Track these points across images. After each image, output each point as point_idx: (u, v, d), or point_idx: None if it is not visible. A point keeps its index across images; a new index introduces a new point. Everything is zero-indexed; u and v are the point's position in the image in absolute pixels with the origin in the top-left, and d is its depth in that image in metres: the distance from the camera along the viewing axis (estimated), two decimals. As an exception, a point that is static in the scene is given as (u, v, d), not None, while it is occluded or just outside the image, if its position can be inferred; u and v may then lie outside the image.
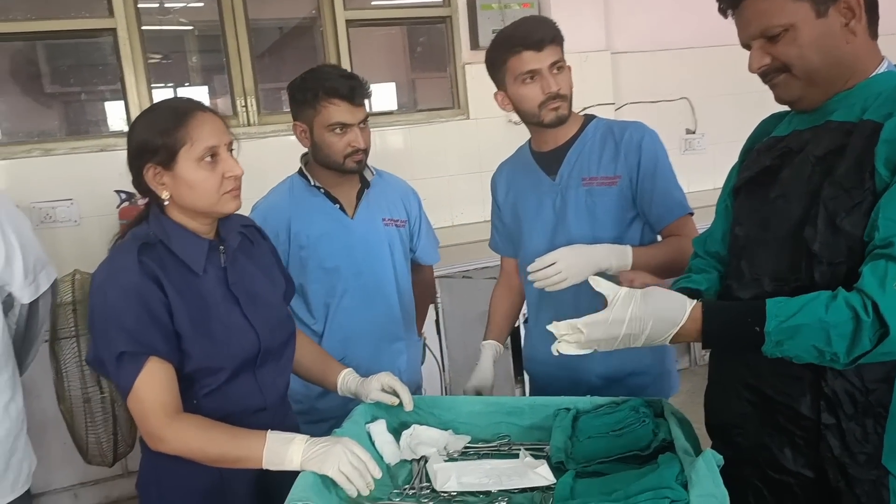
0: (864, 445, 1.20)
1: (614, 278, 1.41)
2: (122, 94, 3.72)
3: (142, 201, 1.48)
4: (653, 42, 4.55)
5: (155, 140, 1.35)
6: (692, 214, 1.83)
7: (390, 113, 4.21)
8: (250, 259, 1.54)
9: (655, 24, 4.51)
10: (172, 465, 1.37)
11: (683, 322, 1.18)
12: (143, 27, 3.73)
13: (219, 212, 1.42)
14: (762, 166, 1.35)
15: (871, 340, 1.06)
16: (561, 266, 1.62)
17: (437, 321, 3.46)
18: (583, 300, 1.52)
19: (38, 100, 4.28)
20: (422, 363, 2.44)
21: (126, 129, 3.70)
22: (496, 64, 1.81)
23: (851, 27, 1.19)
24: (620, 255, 1.69)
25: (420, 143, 4.13)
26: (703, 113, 4.71)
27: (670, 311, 1.19)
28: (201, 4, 4.39)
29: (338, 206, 2.01)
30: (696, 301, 1.20)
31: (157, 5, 4.20)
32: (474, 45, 4.13)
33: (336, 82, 1.88)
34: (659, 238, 1.87)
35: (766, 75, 1.26)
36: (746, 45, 1.27)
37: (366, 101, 1.95)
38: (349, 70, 3.90)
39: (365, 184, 2.06)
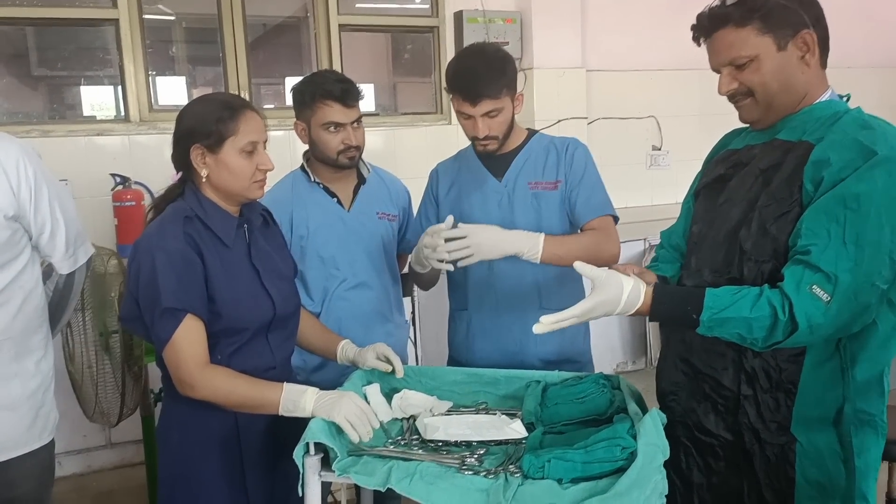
0: (776, 415, 1.44)
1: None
2: (120, 81, 3.88)
3: (175, 177, 1.68)
4: (626, 62, 4.83)
5: (209, 126, 1.56)
6: (616, 218, 2.05)
7: (376, 114, 4.43)
8: (266, 238, 1.75)
9: (629, 46, 4.80)
10: (193, 412, 1.58)
11: (641, 302, 1.42)
12: (145, 16, 3.89)
13: (246, 196, 1.63)
14: (717, 174, 1.60)
15: (783, 334, 1.31)
16: (470, 241, 1.80)
17: (412, 312, 3.68)
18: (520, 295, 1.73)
19: (37, 84, 4.41)
20: (407, 345, 2.66)
21: (123, 115, 3.88)
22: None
23: (806, 59, 1.41)
24: (532, 242, 1.83)
25: (402, 145, 4.35)
26: (668, 131, 4.99)
27: (633, 293, 1.43)
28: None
29: (335, 199, 2.22)
30: (650, 285, 1.44)
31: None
32: (459, 54, 4.36)
33: (330, 86, 2.10)
34: None
35: (734, 97, 1.49)
36: (716, 70, 1.49)
37: (359, 103, 2.16)
38: (342, 73, 4.13)
39: (361, 180, 2.27)
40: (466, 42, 4.29)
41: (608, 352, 4.38)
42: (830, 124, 1.39)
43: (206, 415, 1.57)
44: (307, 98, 2.12)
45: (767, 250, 1.39)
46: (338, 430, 1.48)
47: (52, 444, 1.87)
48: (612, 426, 1.45)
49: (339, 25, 4.23)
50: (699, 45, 1.50)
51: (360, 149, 2.16)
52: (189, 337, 1.50)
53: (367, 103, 5.36)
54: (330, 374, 2.10)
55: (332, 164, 2.15)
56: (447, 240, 1.80)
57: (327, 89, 2.09)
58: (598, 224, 2.02)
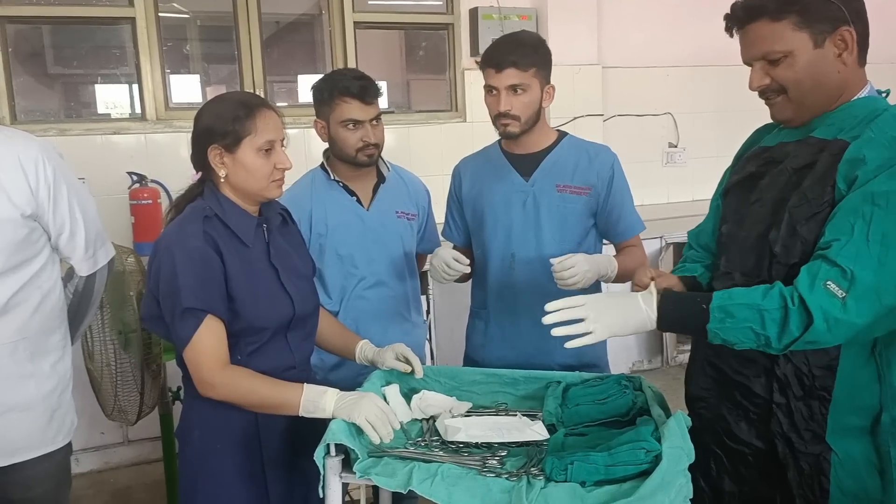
0: (810, 423, 1.39)
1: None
2: (137, 80, 3.90)
3: (195, 177, 1.68)
4: (642, 59, 4.80)
5: (226, 126, 1.56)
6: None
7: (391, 112, 4.42)
8: (285, 237, 1.75)
9: (645, 42, 4.77)
10: (214, 411, 1.57)
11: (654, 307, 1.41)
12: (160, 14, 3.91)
13: (264, 196, 1.62)
14: (748, 172, 1.55)
15: (797, 328, 1.25)
16: (577, 270, 1.81)
17: (427, 311, 3.67)
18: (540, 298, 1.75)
19: (53, 82, 4.43)
20: (424, 345, 2.66)
21: (139, 113, 3.89)
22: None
23: (843, 58, 1.35)
24: (612, 265, 1.93)
25: (417, 143, 4.34)
26: (685, 128, 4.96)
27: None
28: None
29: (354, 198, 2.21)
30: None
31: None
32: (474, 51, 4.36)
33: (348, 83, 2.09)
34: (612, 247, 2.13)
35: (765, 94, 1.43)
36: (748, 63, 1.43)
37: (378, 101, 2.15)
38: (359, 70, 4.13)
39: (381, 178, 2.26)
40: (482, 39, 4.28)
41: (623, 350, 4.35)
42: (868, 122, 1.33)
43: (228, 414, 1.56)
44: (326, 95, 2.12)
45: (796, 253, 1.35)
46: (358, 431, 1.48)
47: (68, 446, 1.87)
48: (636, 428, 1.43)
49: (355, 23, 4.23)
50: (731, 35, 1.44)
51: (378, 146, 2.16)
52: (209, 337, 1.50)
53: (382, 101, 5.37)
54: (347, 373, 2.09)
55: (352, 162, 2.15)
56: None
57: (346, 86, 2.09)
58: (636, 241, 2.10)
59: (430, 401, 1.75)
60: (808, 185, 1.36)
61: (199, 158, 1.61)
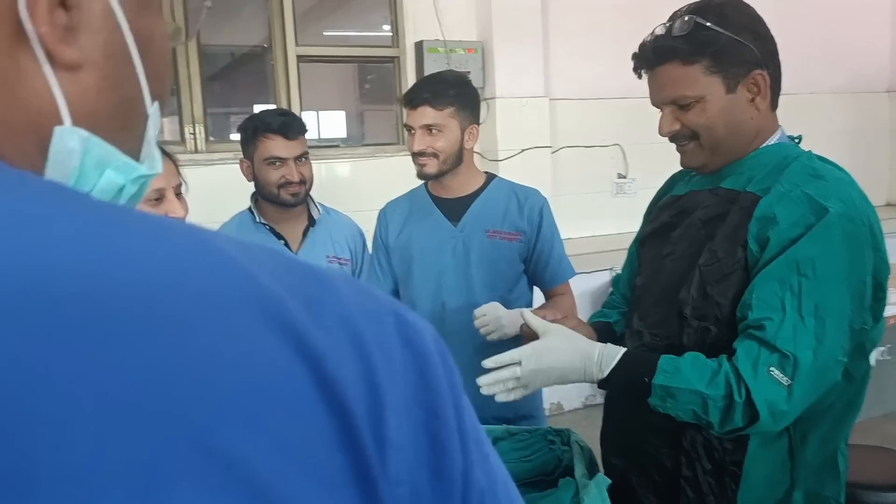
0: (721, 500, 1.27)
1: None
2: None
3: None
4: (590, 90, 4.80)
5: None
6: None
7: (336, 146, 4.35)
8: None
9: (592, 74, 4.78)
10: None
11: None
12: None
13: None
14: (661, 222, 1.47)
15: (742, 420, 1.16)
16: (489, 319, 1.75)
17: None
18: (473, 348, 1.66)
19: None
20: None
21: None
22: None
23: (756, 102, 1.28)
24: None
25: (365, 176, 4.27)
26: (633, 159, 4.97)
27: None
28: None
29: (282, 241, 2.13)
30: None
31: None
32: (419, 85, 4.31)
33: (270, 119, 2.05)
34: (541, 293, 2.08)
35: (675, 139, 1.35)
36: (657, 106, 1.35)
37: (304, 137, 2.09)
38: (298, 103, 4.05)
39: (311, 221, 2.18)
40: (427, 72, 4.23)
41: (574, 387, 4.30)
42: (778, 172, 1.26)
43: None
44: (249, 133, 2.06)
45: (709, 316, 1.26)
46: None
47: None
48: (555, 493, 1.36)
49: (298, 56, 4.16)
50: (640, 77, 1.36)
51: (304, 184, 2.08)
52: None
53: (339, 130, 5.29)
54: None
55: (275, 202, 2.07)
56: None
57: (268, 122, 2.04)
58: (566, 289, 2.04)
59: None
60: (718, 241, 1.28)
61: None
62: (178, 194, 1.54)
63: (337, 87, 6.23)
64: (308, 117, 4.43)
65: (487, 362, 1.35)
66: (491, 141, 4.43)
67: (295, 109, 4.17)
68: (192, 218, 1.98)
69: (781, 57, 1.33)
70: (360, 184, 4.22)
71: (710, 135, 1.30)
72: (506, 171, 4.45)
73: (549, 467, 1.55)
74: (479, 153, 4.51)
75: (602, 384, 1.32)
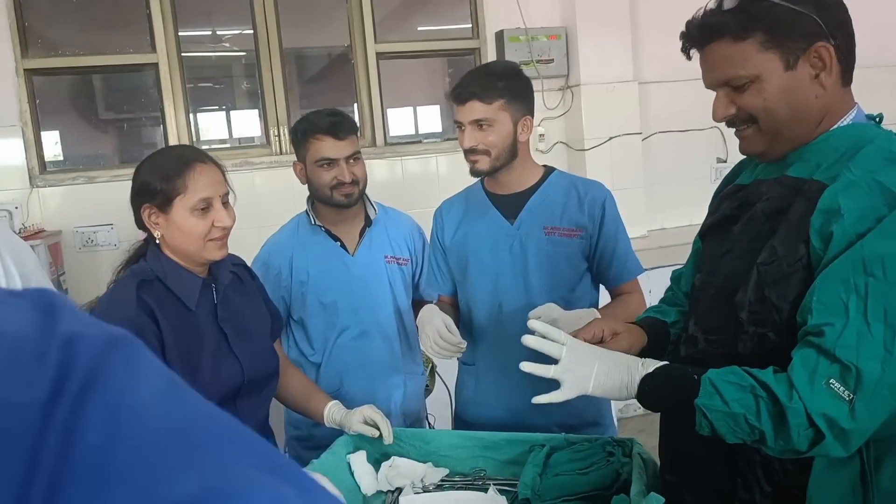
0: None
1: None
2: (161, 122, 3.92)
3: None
4: (682, 72, 4.53)
5: (155, 184, 1.46)
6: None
7: (418, 142, 4.32)
8: (239, 296, 1.63)
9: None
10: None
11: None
12: (185, 53, 3.92)
13: (203, 258, 1.51)
14: (722, 215, 1.31)
15: (806, 443, 1.02)
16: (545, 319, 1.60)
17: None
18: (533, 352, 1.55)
19: (84, 129, 4.51)
20: (427, 394, 2.50)
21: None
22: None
23: (821, 79, 1.12)
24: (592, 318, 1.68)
25: (453, 171, 4.20)
26: (734, 142, 4.65)
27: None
28: (249, 31, 4.56)
29: (338, 243, 2.10)
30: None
31: (201, 33, 4.41)
32: (501, 76, 4.20)
33: (319, 120, 2.00)
34: (607, 292, 1.93)
35: (732, 124, 1.21)
36: (711, 88, 1.22)
37: (355, 137, 2.03)
38: (379, 101, 4.04)
39: (367, 221, 2.14)
40: (508, 62, 4.14)
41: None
42: (850, 157, 1.09)
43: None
44: (300, 136, 2.03)
45: (767, 321, 1.11)
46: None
47: None
48: (606, 511, 1.25)
49: (378, 54, 4.16)
50: (689, 57, 1.22)
51: (357, 184, 2.03)
52: None
53: (434, 125, 5.26)
54: (332, 430, 1.96)
55: (329, 203, 2.04)
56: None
57: (316, 123, 1.99)
58: (634, 286, 1.90)
59: (400, 469, 1.61)
60: (780, 237, 1.12)
61: (137, 218, 1.52)
62: (225, 203, 1.53)
63: (428, 82, 6.20)
64: (394, 115, 4.41)
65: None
66: (577, 130, 4.27)
67: (376, 108, 4.17)
68: (274, 217, 2.00)
69: (856, 25, 1.16)
70: (443, 180, 4.17)
71: (768, 118, 1.14)
72: (593, 161, 4.29)
73: (608, 481, 1.43)
74: (564, 143, 4.37)
75: (642, 398, 1.20)
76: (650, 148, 4.45)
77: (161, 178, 1.46)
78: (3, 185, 3.68)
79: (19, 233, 3.37)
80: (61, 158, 4.20)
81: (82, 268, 3.72)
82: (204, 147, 3.95)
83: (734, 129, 1.23)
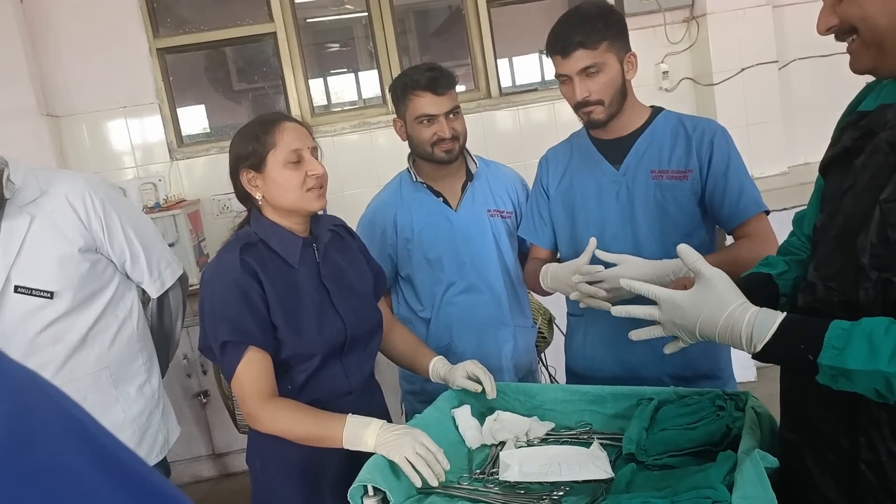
0: None
1: None
2: (283, 90, 4.05)
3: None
4: (824, -11, 4.12)
5: (247, 147, 1.53)
6: (767, 213, 1.72)
7: (534, 90, 4.21)
8: (341, 254, 1.67)
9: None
10: (272, 442, 1.53)
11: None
12: (309, 20, 4.00)
13: (304, 209, 1.55)
14: (843, 147, 1.16)
15: None
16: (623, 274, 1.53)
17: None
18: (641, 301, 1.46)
19: (221, 102, 4.76)
20: (546, 346, 2.47)
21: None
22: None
23: None
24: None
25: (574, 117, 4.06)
26: (888, 63, 4.20)
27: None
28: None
29: (441, 199, 2.09)
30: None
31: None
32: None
33: (418, 76, 1.97)
34: (730, 238, 1.77)
35: (839, 38, 1.08)
36: None
37: (454, 91, 1.99)
38: (492, 51, 3.95)
39: (469, 176, 2.11)
40: (627, 3, 3.92)
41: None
42: None
43: (285, 446, 1.51)
44: (399, 93, 2.02)
45: (892, 266, 0.98)
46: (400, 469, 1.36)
47: (162, 463, 1.96)
48: (709, 469, 1.18)
49: (488, 2, 4.06)
50: None
51: (457, 139, 2.01)
52: (252, 370, 1.46)
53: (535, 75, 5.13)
54: (443, 385, 1.98)
55: (430, 159, 2.03)
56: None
57: (415, 79, 1.98)
58: (754, 228, 1.71)
59: (505, 423, 1.60)
60: None
61: (237, 187, 1.58)
62: (314, 157, 1.56)
63: (536, 30, 6.01)
64: (503, 65, 4.31)
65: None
66: (704, 64, 4.00)
67: (489, 58, 4.09)
68: (391, 171, 1.99)
69: None
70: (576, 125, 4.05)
71: (867, 28, 1.01)
72: (723, 96, 4.01)
73: (717, 437, 1.35)
74: (691, 79, 4.11)
75: (758, 357, 1.10)
76: (788, 77, 4.10)
77: (251, 140, 1.52)
78: (148, 159, 3.95)
79: (163, 203, 3.61)
80: (208, 131, 4.47)
81: (220, 233, 3.92)
82: (326, 110, 4.06)
83: (846, 44, 1.08)
